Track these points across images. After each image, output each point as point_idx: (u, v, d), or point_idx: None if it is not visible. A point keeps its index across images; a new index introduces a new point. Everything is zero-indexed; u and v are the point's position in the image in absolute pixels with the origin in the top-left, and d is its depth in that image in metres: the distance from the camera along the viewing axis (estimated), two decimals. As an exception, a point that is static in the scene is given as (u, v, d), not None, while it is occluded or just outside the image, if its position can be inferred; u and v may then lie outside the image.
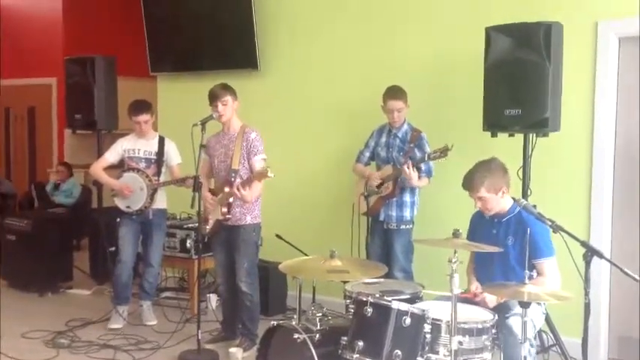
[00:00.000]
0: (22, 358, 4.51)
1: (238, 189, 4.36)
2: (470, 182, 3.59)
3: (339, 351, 3.18)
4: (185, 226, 5.62)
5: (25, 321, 5.30)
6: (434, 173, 4.64)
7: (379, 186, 4.65)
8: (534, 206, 3.46)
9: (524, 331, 3.03)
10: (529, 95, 4.03)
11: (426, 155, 4.40)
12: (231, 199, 4.49)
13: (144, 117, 5.12)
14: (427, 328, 3.09)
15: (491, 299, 3.44)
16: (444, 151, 4.25)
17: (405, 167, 4.42)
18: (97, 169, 5.28)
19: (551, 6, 4.48)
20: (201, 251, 4.67)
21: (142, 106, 5.15)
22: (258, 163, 4.48)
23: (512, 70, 4.09)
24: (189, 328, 5.00)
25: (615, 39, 4.41)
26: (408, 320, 3.06)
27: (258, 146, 4.53)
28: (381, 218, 4.71)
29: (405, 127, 4.73)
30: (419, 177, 4.56)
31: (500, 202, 3.60)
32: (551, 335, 4.21)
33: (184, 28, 6.34)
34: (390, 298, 3.20)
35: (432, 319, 3.11)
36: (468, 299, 3.49)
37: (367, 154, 4.91)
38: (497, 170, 3.60)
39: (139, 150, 5.20)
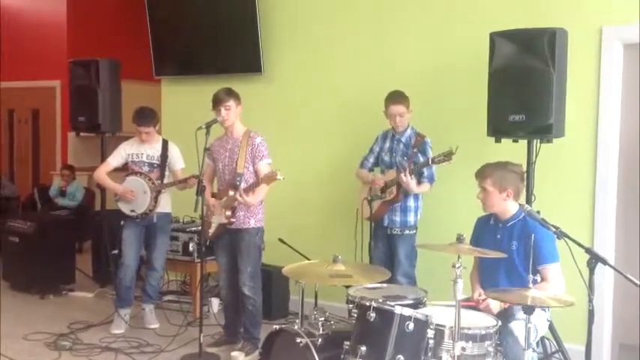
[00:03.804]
0: (24, 360, 4.52)
1: (241, 195, 4.36)
2: (482, 170, 3.65)
3: (342, 355, 3.17)
4: (188, 230, 5.62)
5: (27, 323, 5.31)
6: (436, 178, 4.63)
7: (383, 191, 4.65)
8: (538, 212, 3.45)
9: (528, 337, 3.02)
10: (533, 101, 4.03)
11: (430, 159, 4.39)
12: (235, 203, 4.50)
13: (146, 129, 5.14)
14: (430, 333, 3.08)
15: (495, 305, 3.43)
16: (447, 156, 4.25)
17: (402, 175, 4.42)
18: (101, 173, 5.29)
19: (556, 12, 4.48)
20: (203, 255, 4.68)
21: (145, 118, 5.14)
22: (263, 168, 4.48)
23: (516, 75, 4.09)
24: (191, 332, 5.00)
25: (619, 45, 4.41)
26: (411, 325, 3.06)
27: (264, 151, 4.53)
28: (385, 223, 4.70)
29: (409, 132, 4.73)
30: (419, 182, 4.57)
31: (501, 203, 3.61)
32: (554, 342, 4.20)
33: (188, 31, 6.35)
34: (393, 303, 3.19)
35: (435, 324, 3.10)
36: (472, 306, 3.48)
37: (371, 160, 4.91)
38: (513, 173, 3.62)
39: (142, 154, 5.21)
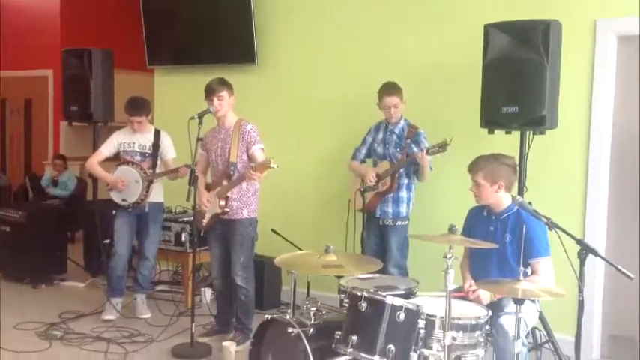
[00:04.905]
0: (15, 349, 4.50)
1: (251, 173, 4.22)
2: (473, 164, 3.67)
3: (333, 345, 3.18)
4: (180, 220, 5.61)
5: (19, 312, 5.30)
6: (432, 168, 4.64)
7: (377, 182, 4.64)
8: (530, 203, 3.46)
9: (518, 328, 3.03)
10: (527, 93, 4.02)
11: (425, 150, 4.39)
12: (229, 193, 4.49)
13: (138, 118, 5.13)
14: (421, 323, 3.09)
15: (485, 296, 3.44)
16: (442, 147, 4.25)
17: (421, 154, 4.39)
18: (93, 163, 5.27)
19: (550, 4, 4.48)
20: (195, 245, 4.67)
21: (137, 107, 5.13)
22: (257, 153, 4.48)
23: (510, 67, 4.08)
24: (183, 322, 5.01)
25: (613, 37, 4.42)
26: (402, 315, 3.06)
27: (255, 137, 4.53)
28: (377, 214, 4.70)
29: (402, 123, 4.72)
30: (416, 171, 4.58)
31: (494, 196, 3.61)
32: (544, 332, 4.22)
33: (182, 21, 6.32)
34: (384, 293, 3.20)
35: (426, 314, 3.11)
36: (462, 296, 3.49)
37: (364, 151, 4.90)
38: (505, 166, 3.63)
39: (134, 144, 5.20)
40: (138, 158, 5.19)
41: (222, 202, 4.52)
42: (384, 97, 4.67)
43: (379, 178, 4.64)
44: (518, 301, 2.99)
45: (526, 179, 4.24)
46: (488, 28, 4.19)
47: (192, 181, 4.36)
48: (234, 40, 5.96)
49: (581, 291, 2.98)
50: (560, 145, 4.49)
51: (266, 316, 3.57)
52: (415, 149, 4.56)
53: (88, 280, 6.33)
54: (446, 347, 3.00)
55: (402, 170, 4.62)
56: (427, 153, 4.36)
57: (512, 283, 3.04)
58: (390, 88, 4.67)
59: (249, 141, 4.50)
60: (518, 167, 3.88)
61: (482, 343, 3.16)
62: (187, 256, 5.45)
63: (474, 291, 3.47)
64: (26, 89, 9.83)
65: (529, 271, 3.34)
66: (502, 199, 3.64)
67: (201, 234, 4.76)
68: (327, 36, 5.61)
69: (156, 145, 5.21)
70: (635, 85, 4.42)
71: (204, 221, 4.67)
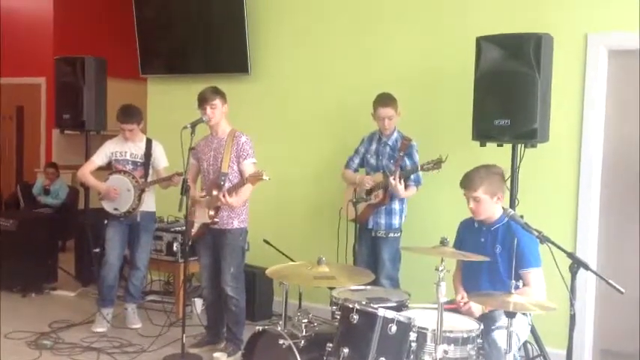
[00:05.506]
0: (4, 359, 4.47)
1: (224, 196, 4.35)
2: (469, 181, 3.60)
3: (324, 357, 3.17)
4: (172, 229, 5.60)
5: (8, 321, 5.25)
6: (423, 182, 4.64)
7: (369, 193, 4.64)
8: (521, 216, 3.46)
9: (510, 342, 3.03)
10: (518, 106, 4.04)
11: (419, 166, 4.39)
12: (219, 203, 4.48)
13: (129, 126, 5.12)
14: (413, 336, 3.08)
15: (477, 308, 3.44)
16: (437, 163, 4.25)
17: (391, 179, 4.41)
18: (85, 172, 5.25)
19: (542, 18, 4.51)
20: (187, 255, 4.65)
21: (129, 115, 5.13)
22: (248, 167, 4.48)
23: (502, 80, 4.10)
24: (174, 332, 4.98)
25: (605, 51, 4.45)
26: (393, 328, 3.05)
27: (248, 150, 4.53)
28: (370, 226, 4.70)
29: (395, 134, 4.73)
30: (407, 186, 4.57)
31: (493, 207, 3.61)
32: (536, 346, 4.22)
33: (176, 30, 6.33)
34: (376, 306, 3.19)
35: (418, 327, 3.10)
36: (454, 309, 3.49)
37: (356, 161, 4.91)
38: (497, 175, 3.63)
39: (125, 152, 5.19)
40: (130, 167, 5.18)
41: (212, 212, 4.51)
42: (378, 108, 4.68)
43: (371, 189, 4.64)
44: (510, 315, 2.99)
45: (518, 192, 4.25)
46: (480, 41, 4.21)
47: (185, 190, 4.35)
48: (228, 50, 5.97)
49: (572, 305, 2.98)
50: (551, 158, 4.50)
51: (257, 327, 3.55)
52: (408, 162, 4.57)
53: (79, 290, 6.30)
54: (437, 360, 3.00)
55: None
56: (421, 169, 4.37)
57: (503, 296, 3.04)
58: (385, 100, 4.67)
59: (242, 154, 4.50)
60: (509, 178, 3.88)
61: (474, 357, 3.15)
62: (179, 266, 5.43)
63: (465, 303, 3.47)
64: (18, 96, 9.80)
65: (520, 284, 3.34)
66: (496, 210, 3.64)
67: (190, 243, 4.75)
68: (319, 46, 5.62)
69: (148, 153, 5.20)
70: (625, 98, 4.45)
71: (193, 230, 4.65)
